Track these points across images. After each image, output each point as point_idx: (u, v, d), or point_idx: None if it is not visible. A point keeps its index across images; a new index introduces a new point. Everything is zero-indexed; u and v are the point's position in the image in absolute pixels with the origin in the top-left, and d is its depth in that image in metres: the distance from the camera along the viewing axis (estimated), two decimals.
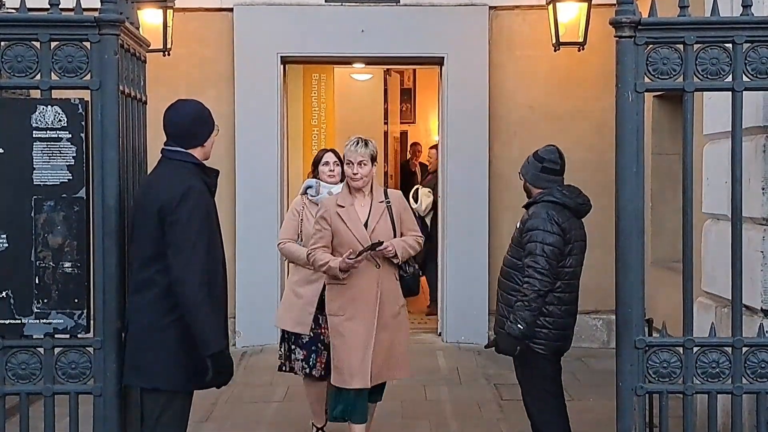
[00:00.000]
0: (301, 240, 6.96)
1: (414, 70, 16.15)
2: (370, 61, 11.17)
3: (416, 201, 11.55)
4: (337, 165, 7.04)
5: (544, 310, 5.76)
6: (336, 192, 6.72)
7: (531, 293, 5.68)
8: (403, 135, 17.72)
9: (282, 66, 10.36)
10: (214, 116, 5.15)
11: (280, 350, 7.23)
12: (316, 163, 7.22)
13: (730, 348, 5.00)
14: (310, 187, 7.11)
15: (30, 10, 5.01)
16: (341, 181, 6.87)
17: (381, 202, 6.46)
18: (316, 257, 6.35)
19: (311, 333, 6.89)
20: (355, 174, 6.32)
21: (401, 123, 17.44)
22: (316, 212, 6.57)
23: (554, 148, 6.11)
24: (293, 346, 7.03)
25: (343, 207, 6.36)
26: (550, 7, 9.65)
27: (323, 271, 6.37)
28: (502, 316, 5.91)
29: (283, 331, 7.17)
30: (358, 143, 6.37)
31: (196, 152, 5.00)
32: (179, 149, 4.96)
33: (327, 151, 7.36)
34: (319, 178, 7.12)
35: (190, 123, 5.00)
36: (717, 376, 5.01)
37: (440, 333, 10.60)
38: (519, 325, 5.70)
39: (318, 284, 6.78)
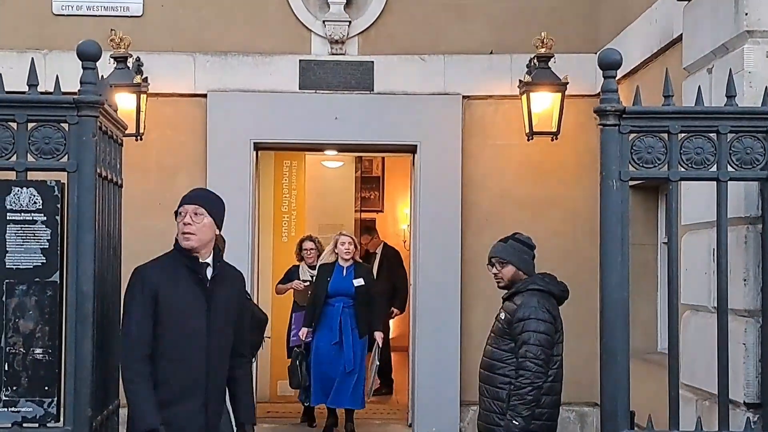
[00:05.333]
0: None
1: (383, 158, 16.14)
2: (343, 148, 11.15)
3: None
4: None
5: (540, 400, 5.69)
6: None
7: (527, 385, 5.60)
8: (370, 222, 17.54)
9: (255, 152, 10.32)
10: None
11: None
12: None
13: None
14: None
15: (8, 92, 4.94)
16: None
17: None
18: None
19: None
20: None
21: (367, 211, 17.14)
22: None
23: (524, 234, 6.13)
24: None
25: None
26: (524, 97, 9.69)
27: None
28: (488, 411, 5.80)
29: None
30: None
31: None
32: None
33: None
34: None
35: None
36: None
37: (411, 424, 10.43)
38: (515, 421, 5.60)
39: None
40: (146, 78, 9.67)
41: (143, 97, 9.55)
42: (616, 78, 5.09)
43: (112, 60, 9.46)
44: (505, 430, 5.67)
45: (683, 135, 4.89)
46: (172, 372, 4.98)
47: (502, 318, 5.89)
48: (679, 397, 6.28)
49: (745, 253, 5.78)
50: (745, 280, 5.77)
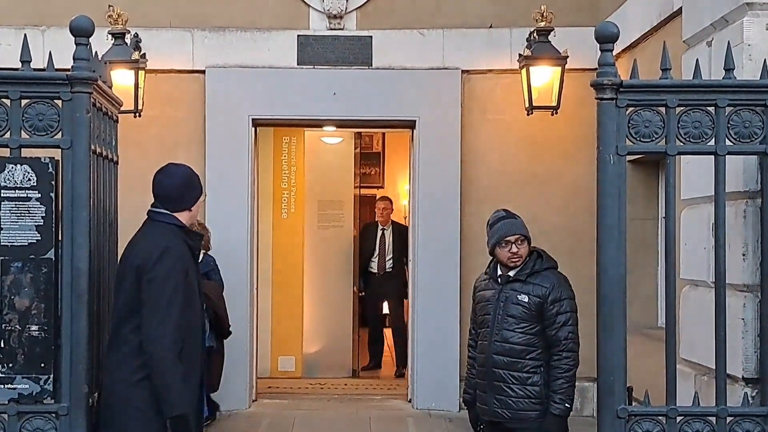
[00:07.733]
0: None
1: (383, 134, 16.07)
2: (342, 124, 11.08)
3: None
4: None
5: None
6: None
7: (573, 366, 5.67)
8: (370, 199, 17.40)
9: (253, 128, 10.29)
10: None
11: None
12: None
13: (714, 417, 4.89)
14: None
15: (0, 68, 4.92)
16: None
17: None
18: None
19: None
20: None
21: (368, 187, 16.94)
22: None
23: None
24: None
25: None
26: (524, 71, 9.64)
27: None
28: (516, 397, 5.73)
29: None
30: None
31: (183, 215, 5.08)
32: (164, 211, 5.04)
33: None
34: None
35: (178, 187, 5.08)
36: None
37: (410, 399, 10.43)
38: (567, 404, 5.64)
39: None
40: (144, 54, 9.61)
41: (141, 73, 9.51)
42: (616, 51, 5.06)
43: (109, 36, 9.41)
44: (557, 415, 5.68)
45: (681, 109, 4.84)
46: (182, 350, 4.90)
47: (525, 301, 5.77)
48: (678, 371, 6.29)
49: (744, 228, 5.75)
50: (744, 255, 5.75)
